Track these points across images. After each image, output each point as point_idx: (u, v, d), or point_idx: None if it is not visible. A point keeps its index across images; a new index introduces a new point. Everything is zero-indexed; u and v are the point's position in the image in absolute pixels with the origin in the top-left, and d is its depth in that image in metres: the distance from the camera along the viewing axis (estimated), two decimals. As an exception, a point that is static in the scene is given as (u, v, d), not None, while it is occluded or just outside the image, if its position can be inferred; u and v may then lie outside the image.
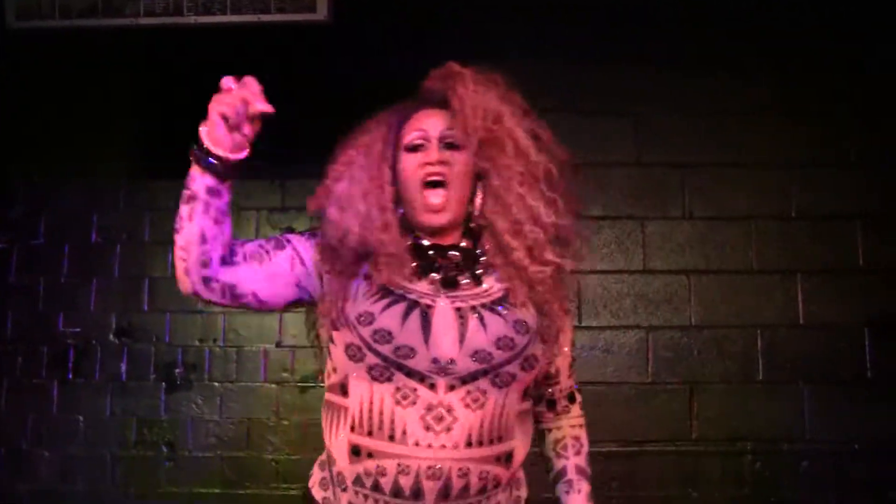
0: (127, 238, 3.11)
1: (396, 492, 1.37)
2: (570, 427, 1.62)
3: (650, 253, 3.02)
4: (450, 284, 1.46)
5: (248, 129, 1.36)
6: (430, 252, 1.50)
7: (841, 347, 2.93)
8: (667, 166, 3.05)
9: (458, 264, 1.49)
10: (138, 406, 3.02)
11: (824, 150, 3.03)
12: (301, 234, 1.55)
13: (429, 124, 1.52)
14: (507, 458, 1.44)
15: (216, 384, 3.03)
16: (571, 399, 1.63)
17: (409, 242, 1.50)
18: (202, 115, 1.35)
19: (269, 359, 3.02)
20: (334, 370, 1.49)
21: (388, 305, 1.41)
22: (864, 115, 3.05)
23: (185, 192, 1.39)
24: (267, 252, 1.48)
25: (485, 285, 1.48)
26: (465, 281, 1.48)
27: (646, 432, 2.92)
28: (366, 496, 1.40)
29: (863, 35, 3.07)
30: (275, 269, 1.47)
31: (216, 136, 1.35)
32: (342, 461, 1.43)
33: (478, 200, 1.53)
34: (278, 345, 3.02)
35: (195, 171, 1.38)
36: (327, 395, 1.50)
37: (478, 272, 1.49)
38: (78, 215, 3.13)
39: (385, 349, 1.38)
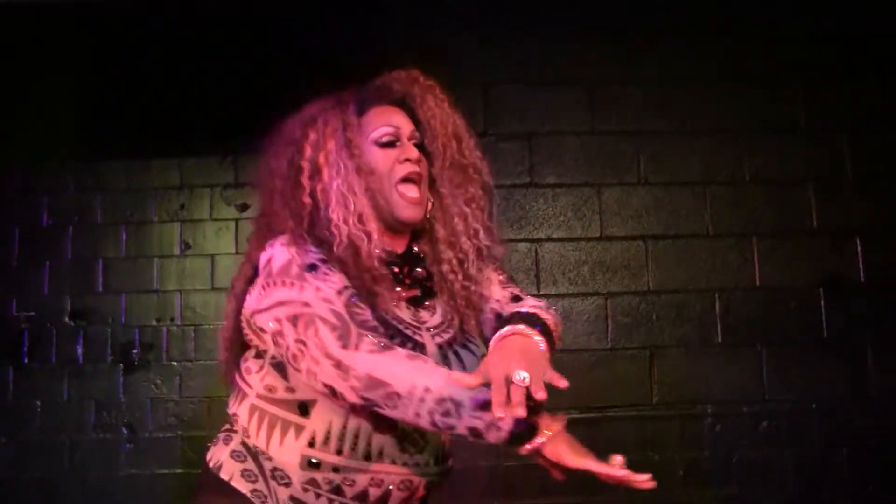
0: (79, 220, 3.07)
1: (361, 498, 1.38)
2: None
3: (607, 220, 3.04)
4: (416, 303, 1.48)
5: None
6: (396, 267, 1.47)
7: (796, 309, 2.98)
8: (621, 134, 3.07)
9: (422, 280, 1.50)
10: (96, 389, 2.97)
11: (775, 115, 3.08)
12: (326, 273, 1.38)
13: (397, 122, 1.50)
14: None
15: (174, 363, 2.99)
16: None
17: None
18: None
19: (228, 336, 2.99)
20: (289, 390, 1.40)
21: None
22: (810, 82, 3.09)
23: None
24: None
25: (438, 312, 1.50)
26: (426, 302, 1.49)
27: (606, 398, 2.93)
28: (318, 495, 1.37)
29: (808, 3, 3.10)
30: None
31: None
32: (291, 468, 1.38)
33: (429, 205, 1.52)
34: (236, 322, 2.98)
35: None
36: (269, 407, 1.41)
37: (429, 286, 1.51)
38: (27, 198, 3.07)
39: None
